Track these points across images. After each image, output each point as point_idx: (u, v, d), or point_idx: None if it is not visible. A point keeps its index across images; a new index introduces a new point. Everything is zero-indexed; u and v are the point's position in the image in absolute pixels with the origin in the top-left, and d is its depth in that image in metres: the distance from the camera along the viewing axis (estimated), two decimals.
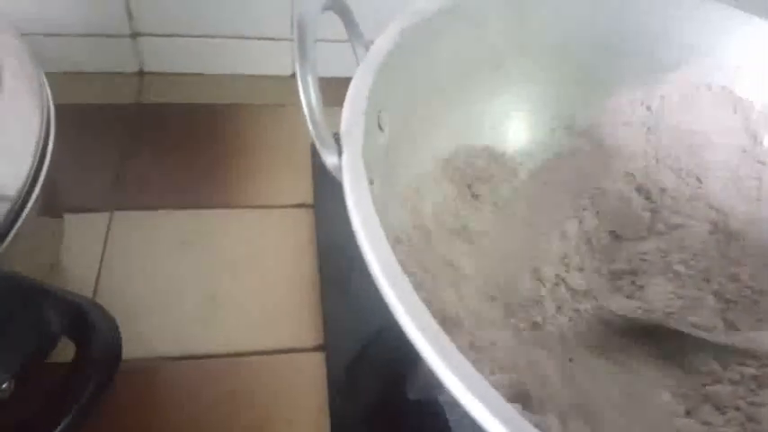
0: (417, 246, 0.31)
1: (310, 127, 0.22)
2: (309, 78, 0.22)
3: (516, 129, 0.38)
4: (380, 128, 0.28)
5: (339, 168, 0.23)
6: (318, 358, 0.35)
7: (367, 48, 0.28)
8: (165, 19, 0.47)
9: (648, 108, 0.40)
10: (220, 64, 0.49)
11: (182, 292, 0.37)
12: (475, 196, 0.35)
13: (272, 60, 0.50)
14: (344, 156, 0.23)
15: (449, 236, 0.33)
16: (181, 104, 0.48)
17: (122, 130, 0.45)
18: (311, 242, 0.41)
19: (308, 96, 0.22)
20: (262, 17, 0.47)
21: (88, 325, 0.21)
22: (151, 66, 0.49)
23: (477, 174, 0.36)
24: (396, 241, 0.30)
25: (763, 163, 0.37)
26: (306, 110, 0.22)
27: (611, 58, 0.38)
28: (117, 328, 0.23)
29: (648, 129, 0.40)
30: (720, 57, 0.38)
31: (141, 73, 0.50)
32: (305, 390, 0.34)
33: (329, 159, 0.23)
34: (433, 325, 0.19)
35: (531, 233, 0.36)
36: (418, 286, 0.29)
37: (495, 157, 0.37)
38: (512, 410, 0.17)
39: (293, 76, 0.52)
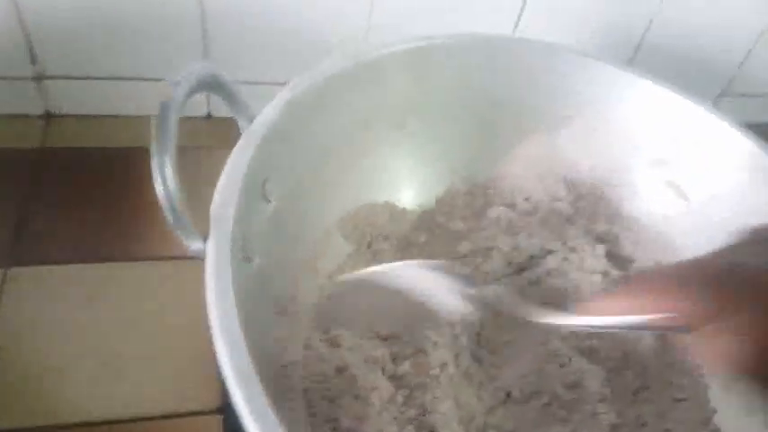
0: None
1: (167, 215, 0.22)
2: (167, 165, 0.21)
3: (418, 183, 0.39)
4: (266, 199, 0.28)
5: (203, 254, 0.22)
6: (216, 421, 0.35)
7: (251, 121, 0.28)
8: (72, 61, 0.45)
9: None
10: (131, 106, 0.48)
11: (82, 352, 0.36)
12: (374, 253, 0.36)
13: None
14: (210, 241, 0.23)
15: None
16: (89, 148, 0.46)
17: (24, 175, 0.44)
18: None
19: (165, 183, 0.21)
20: (173, 57, 0.46)
21: None
22: (58, 108, 0.48)
23: (377, 231, 0.36)
24: (280, 313, 0.29)
25: None
26: (162, 197, 0.21)
27: (511, 114, 0.39)
28: None
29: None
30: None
31: (48, 115, 0.48)
32: None
33: (193, 246, 0.23)
34: None
35: None
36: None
37: (394, 213, 0.37)
38: None
39: (209, 116, 0.52)
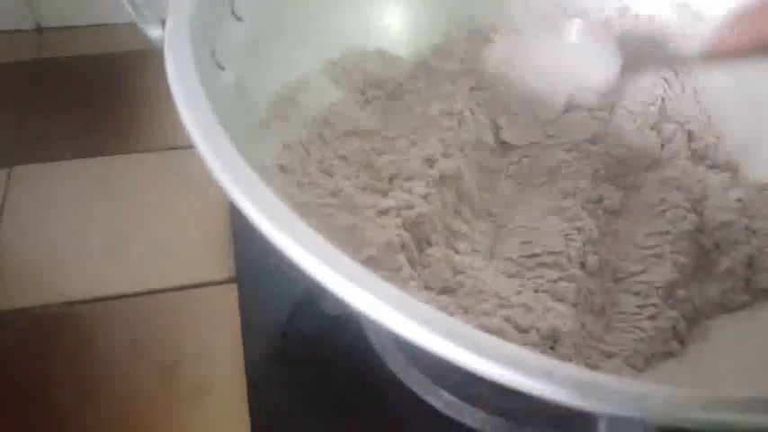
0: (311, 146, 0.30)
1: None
2: None
3: (411, 30, 0.36)
4: (236, 16, 0.27)
5: (162, 40, 0.21)
6: (231, 290, 0.34)
7: None
8: None
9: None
10: (119, 12, 0.47)
11: (88, 238, 0.36)
12: (367, 100, 0.34)
13: None
14: (168, 24, 0.21)
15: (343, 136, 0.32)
16: (80, 57, 0.46)
17: (21, 86, 0.44)
18: None
19: None
20: None
21: None
22: (48, 21, 0.48)
23: (369, 78, 0.34)
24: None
25: None
26: None
27: None
28: None
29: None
30: None
31: (39, 29, 0.48)
32: (218, 324, 0.33)
33: (151, 31, 0.21)
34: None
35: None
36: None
37: (387, 59, 0.35)
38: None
39: None
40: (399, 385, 0.29)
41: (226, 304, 0.33)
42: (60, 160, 0.40)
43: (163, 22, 0.22)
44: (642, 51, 0.36)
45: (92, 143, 0.41)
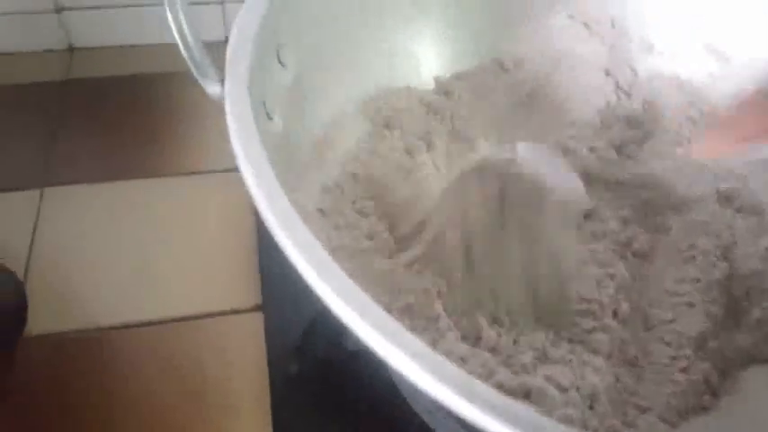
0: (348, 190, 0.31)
1: (183, 52, 0.21)
2: (178, 5, 0.21)
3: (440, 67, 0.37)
4: (281, 64, 0.27)
5: (222, 97, 0.22)
6: (257, 318, 0.35)
7: None
8: None
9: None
10: (150, 33, 0.48)
11: (116, 263, 0.36)
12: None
13: (203, 26, 0.49)
14: (227, 83, 0.22)
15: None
16: (111, 77, 0.47)
17: (52, 107, 0.44)
18: (247, 202, 0.40)
19: (177, 18, 0.21)
20: None
21: None
22: (80, 41, 0.48)
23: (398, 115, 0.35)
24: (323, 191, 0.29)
25: None
26: (176, 34, 0.21)
27: None
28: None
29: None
30: None
31: (71, 49, 0.48)
32: (244, 351, 0.33)
33: (210, 88, 0.22)
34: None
35: None
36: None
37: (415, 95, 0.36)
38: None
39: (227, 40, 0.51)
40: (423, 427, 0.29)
41: (252, 331, 0.34)
42: (91, 182, 0.40)
43: (222, 79, 0.22)
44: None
45: (122, 165, 0.41)
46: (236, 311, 0.35)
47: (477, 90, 0.38)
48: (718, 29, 0.38)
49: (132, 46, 0.49)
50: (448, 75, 0.38)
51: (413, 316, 0.26)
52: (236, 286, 0.36)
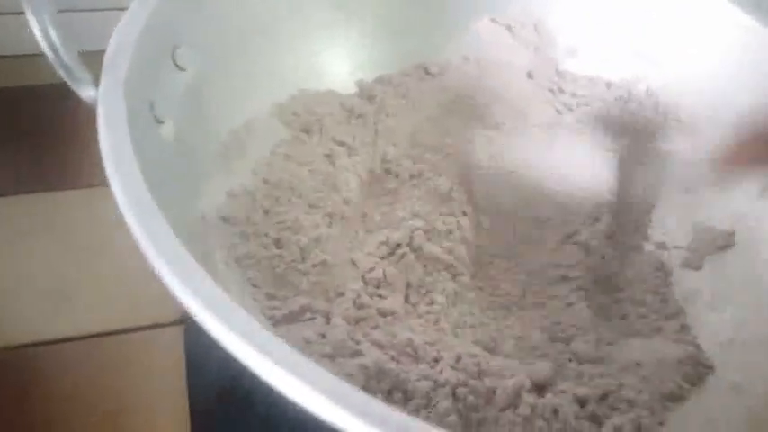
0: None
1: (48, 53, 0.20)
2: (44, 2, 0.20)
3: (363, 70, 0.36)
4: (177, 65, 0.26)
5: (96, 101, 0.20)
6: (177, 332, 0.33)
7: None
8: None
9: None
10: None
11: (31, 278, 0.35)
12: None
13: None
14: (102, 85, 0.21)
15: None
16: (17, 88, 0.45)
17: None
18: None
19: (42, 22, 0.19)
20: None
21: None
22: None
23: (320, 119, 0.34)
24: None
25: None
26: (40, 39, 0.20)
27: None
28: None
29: None
30: None
31: None
32: (163, 369, 0.32)
33: (84, 92, 0.21)
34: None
35: None
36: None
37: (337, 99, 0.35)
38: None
39: None
40: None
41: (172, 346, 0.33)
42: (2, 196, 0.38)
43: (96, 81, 0.21)
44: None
45: (33, 179, 0.39)
46: (155, 326, 0.34)
47: (400, 94, 0.37)
48: (642, 33, 0.38)
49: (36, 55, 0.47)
50: (371, 79, 0.37)
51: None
52: (155, 300, 0.34)
